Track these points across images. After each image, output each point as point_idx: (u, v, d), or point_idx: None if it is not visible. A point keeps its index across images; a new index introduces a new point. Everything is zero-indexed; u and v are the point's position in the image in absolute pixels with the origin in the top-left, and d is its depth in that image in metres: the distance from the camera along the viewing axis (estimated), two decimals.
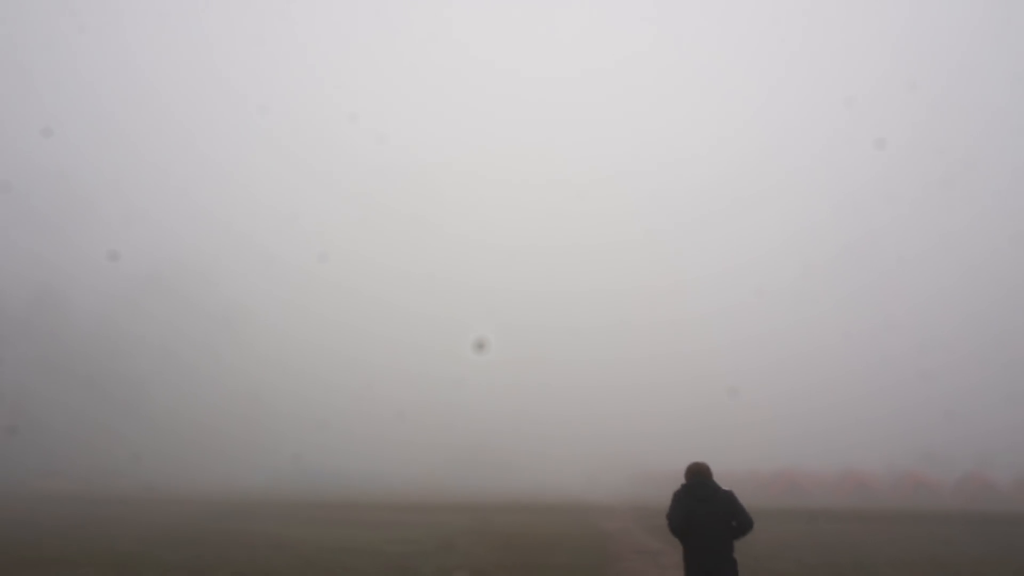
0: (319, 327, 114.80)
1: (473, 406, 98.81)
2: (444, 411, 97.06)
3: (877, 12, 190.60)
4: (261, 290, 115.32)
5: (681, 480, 8.59)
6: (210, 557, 18.08)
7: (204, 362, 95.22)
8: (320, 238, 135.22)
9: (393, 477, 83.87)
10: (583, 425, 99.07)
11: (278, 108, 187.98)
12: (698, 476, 8.40)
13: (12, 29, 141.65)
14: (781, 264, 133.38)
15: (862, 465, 73.22)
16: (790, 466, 72.83)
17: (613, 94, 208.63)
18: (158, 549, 19.50)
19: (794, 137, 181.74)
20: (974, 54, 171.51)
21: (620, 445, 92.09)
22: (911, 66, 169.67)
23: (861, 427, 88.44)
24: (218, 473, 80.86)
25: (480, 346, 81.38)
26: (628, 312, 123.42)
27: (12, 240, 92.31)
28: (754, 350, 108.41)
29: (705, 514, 8.10)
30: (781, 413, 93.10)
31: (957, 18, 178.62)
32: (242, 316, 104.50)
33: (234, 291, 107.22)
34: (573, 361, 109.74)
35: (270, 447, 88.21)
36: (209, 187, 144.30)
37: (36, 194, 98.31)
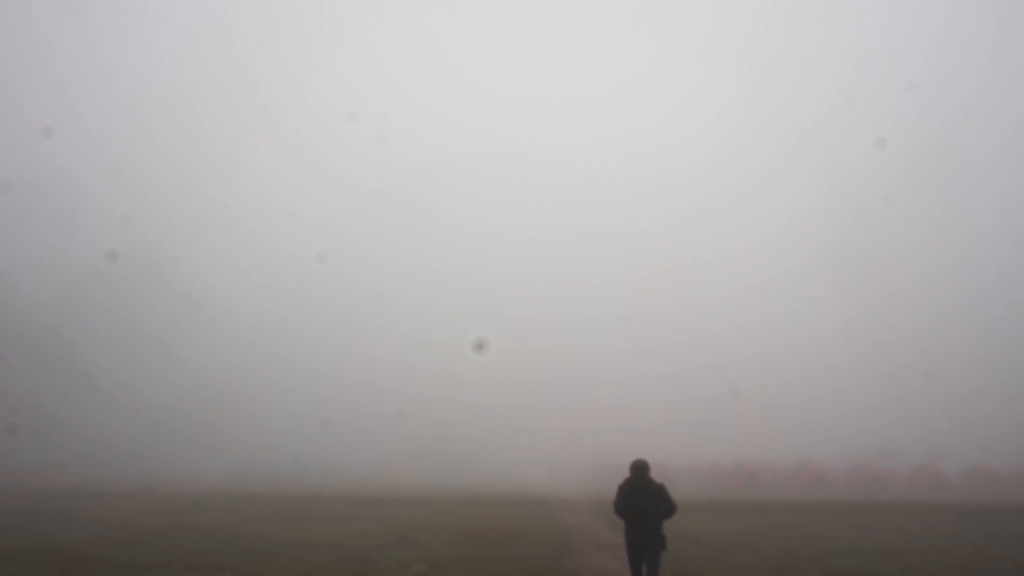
0: (319, 322, 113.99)
1: (468, 402, 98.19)
2: (444, 408, 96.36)
3: (877, 12, 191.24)
4: (260, 285, 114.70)
5: (627, 473, 10.54)
6: (160, 552, 17.58)
7: (158, 354, 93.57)
8: (321, 235, 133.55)
9: (354, 470, 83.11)
10: (547, 418, 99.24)
11: (279, 105, 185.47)
12: (638, 471, 10.48)
13: (12, 29, 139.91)
14: (779, 263, 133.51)
15: (819, 457, 74.68)
16: (748, 459, 73.95)
17: (613, 94, 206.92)
18: (106, 545, 18.92)
19: (794, 136, 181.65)
20: (975, 54, 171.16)
21: (584, 439, 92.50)
22: (911, 66, 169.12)
23: (861, 422, 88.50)
24: (176, 467, 79.30)
25: (480, 346, 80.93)
26: (628, 304, 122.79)
27: (12, 240, 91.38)
28: (752, 349, 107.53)
29: (641, 501, 10.35)
30: (782, 406, 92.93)
31: (957, 18, 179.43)
32: (230, 309, 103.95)
33: (231, 285, 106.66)
34: (560, 353, 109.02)
35: (230, 441, 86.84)
36: (210, 184, 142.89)
37: (36, 194, 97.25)
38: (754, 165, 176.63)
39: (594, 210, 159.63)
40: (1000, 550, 19.52)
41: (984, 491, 62.04)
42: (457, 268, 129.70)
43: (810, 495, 56.40)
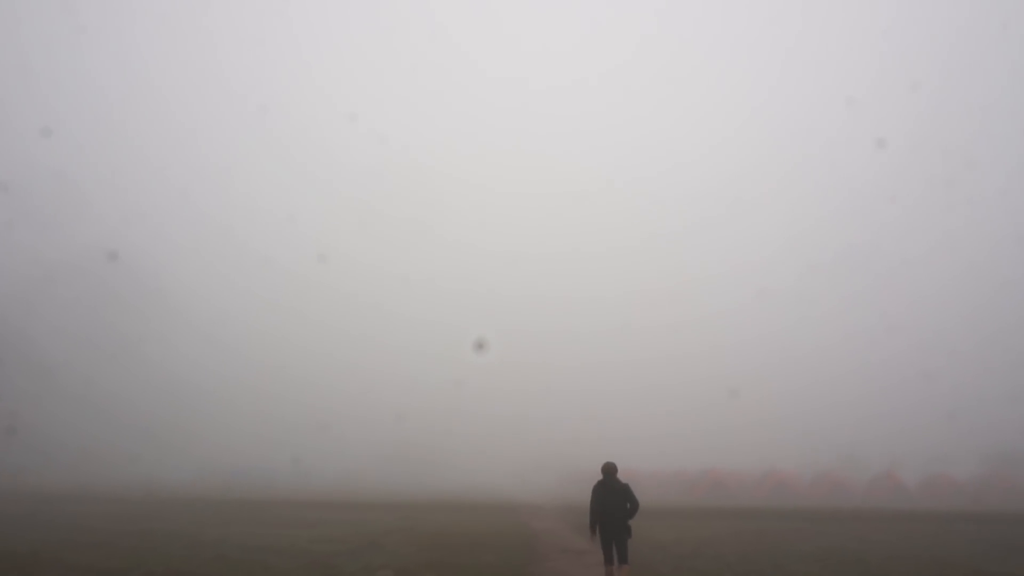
0: (315, 329, 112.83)
1: (472, 410, 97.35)
2: (442, 415, 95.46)
3: (877, 12, 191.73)
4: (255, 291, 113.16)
5: (599, 476, 12.41)
6: (120, 558, 17.30)
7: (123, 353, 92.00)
8: (318, 240, 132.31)
9: (322, 475, 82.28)
10: (519, 425, 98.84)
11: (277, 108, 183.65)
12: (608, 474, 12.31)
13: (12, 29, 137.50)
14: (782, 264, 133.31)
15: (784, 465, 75.72)
16: (714, 466, 74.74)
17: (612, 94, 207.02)
18: (64, 550, 18.55)
19: (794, 137, 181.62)
20: (975, 53, 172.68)
21: (554, 445, 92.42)
22: (911, 66, 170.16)
23: (856, 428, 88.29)
24: (141, 471, 77.82)
25: (480, 346, 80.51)
26: (628, 315, 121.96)
27: (12, 240, 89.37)
28: (753, 351, 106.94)
29: (611, 500, 12.17)
30: (779, 415, 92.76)
31: (957, 18, 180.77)
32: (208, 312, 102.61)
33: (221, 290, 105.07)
34: (554, 366, 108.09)
35: (195, 445, 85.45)
36: (207, 187, 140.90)
37: (36, 194, 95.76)
38: (757, 175, 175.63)
39: (594, 203, 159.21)
40: (956, 557, 20.04)
41: (942, 499, 63.51)
42: (456, 273, 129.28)
43: (774, 502, 57.21)
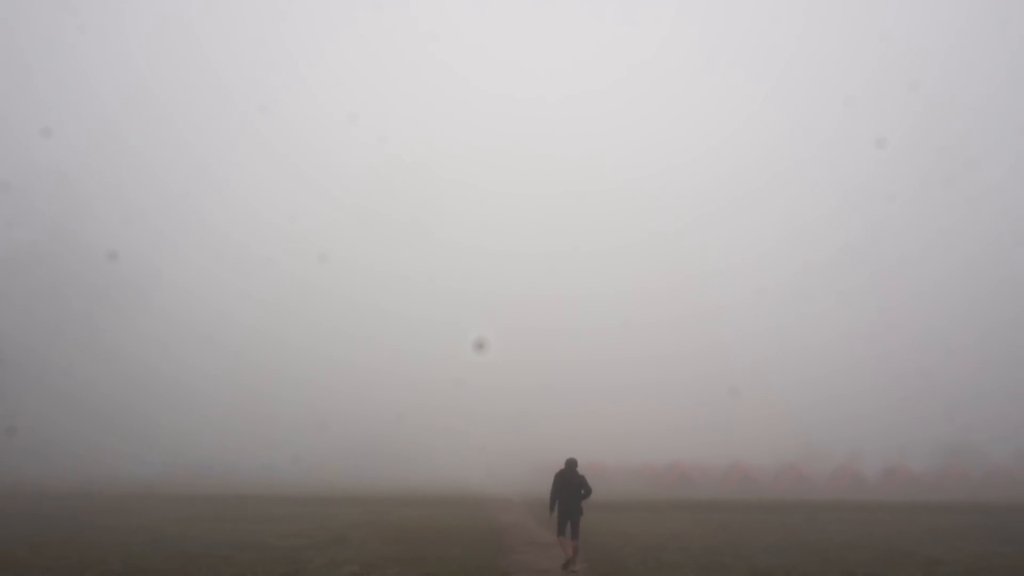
0: (315, 330, 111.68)
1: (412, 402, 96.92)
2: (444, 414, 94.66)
3: (877, 12, 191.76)
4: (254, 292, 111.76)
5: (562, 466, 15.28)
6: (79, 554, 16.97)
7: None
8: (319, 240, 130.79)
9: (290, 470, 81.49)
10: (492, 419, 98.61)
11: (277, 108, 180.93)
12: (569, 465, 15.23)
13: (12, 29, 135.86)
14: (781, 263, 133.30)
15: (748, 458, 76.90)
16: (680, 459, 75.67)
17: (612, 94, 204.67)
18: (20, 548, 18.14)
19: (794, 136, 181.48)
20: (974, 53, 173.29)
21: (524, 440, 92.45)
22: (911, 65, 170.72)
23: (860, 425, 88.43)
24: (102, 467, 76.30)
25: (480, 346, 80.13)
26: (628, 313, 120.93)
27: (12, 239, 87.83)
28: (751, 347, 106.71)
29: (569, 487, 15.02)
30: (785, 411, 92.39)
31: (957, 17, 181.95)
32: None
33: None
34: (541, 362, 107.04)
35: (159, 439, 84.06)
36: (207, 188, 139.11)
37: (36, 194, 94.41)
38: (756, 174, 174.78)
39: (594, 202, 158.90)
40: (911, 545, 20.59)
41: (900, 490, 65.14)
42: (456, 273, 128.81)
43: (740, 495, 58.11)
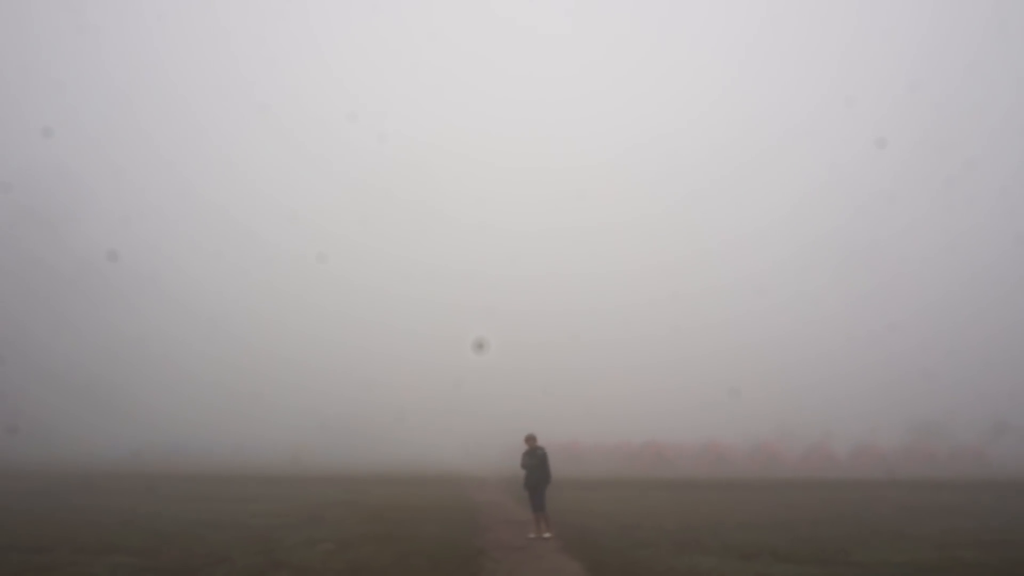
0: (319, 323, 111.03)
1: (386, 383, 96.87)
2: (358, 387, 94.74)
3: (877, 12, 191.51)
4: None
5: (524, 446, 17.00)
6: (50, 534, 16.71)
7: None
8: (321, 235, 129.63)
9: (263, 449, 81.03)
10: (469, 399, 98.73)
11: (279, 104, 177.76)
12: (530, 441, 16.93)
13: (12, 29, 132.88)
14: (780, 264, 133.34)
15: (723, 438, 77.80)
16: (655, 438, 76.41)
17: (612, 95, 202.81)
18: None
19: (794, 137, 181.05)
20: (976, 53, 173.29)
21: (499, 420, 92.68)
22: (912, 65, 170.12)
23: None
24: (76, 446, 75.32)
25: (480, 346, 79.77)
26: (603, 295, 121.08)
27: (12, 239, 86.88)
28: (747, 340, 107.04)
29: (533, 462, 16.65)
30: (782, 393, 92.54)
31: (958, 17, 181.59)
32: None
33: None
34: (531, 344, 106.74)
35: (132, 418, 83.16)
36: (210, 184, 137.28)
37: (37, 194, 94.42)
38: (756, 174, 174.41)
39: (593, 203, 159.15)
40: (879, 521, 21.02)
41: (869, 468, 66.44)
42: (459, 266, 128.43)
43: (714, 473, 58.92)
